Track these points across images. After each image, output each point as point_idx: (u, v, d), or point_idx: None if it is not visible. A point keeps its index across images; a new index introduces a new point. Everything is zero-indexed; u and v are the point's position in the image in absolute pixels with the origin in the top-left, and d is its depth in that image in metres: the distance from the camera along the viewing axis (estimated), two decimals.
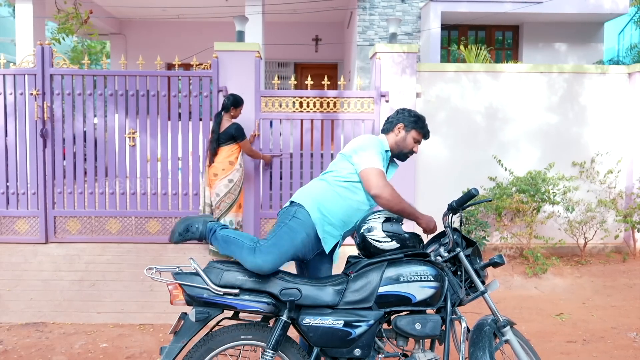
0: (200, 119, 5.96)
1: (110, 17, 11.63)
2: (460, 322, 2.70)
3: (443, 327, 2.64)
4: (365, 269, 2.65)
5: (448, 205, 2.85)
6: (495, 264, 2.71)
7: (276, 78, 6.13)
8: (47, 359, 3.89)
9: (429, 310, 2.66)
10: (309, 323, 2.54)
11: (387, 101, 6.04)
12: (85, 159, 6.01)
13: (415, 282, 2.59)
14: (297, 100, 6.12)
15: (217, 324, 2.63)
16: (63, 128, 5.90)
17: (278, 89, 6.15)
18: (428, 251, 2.83)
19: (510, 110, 6.63)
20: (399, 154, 3.03)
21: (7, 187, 5.85)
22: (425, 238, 3.00)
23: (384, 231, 2.70)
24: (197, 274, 2.50)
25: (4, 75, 5.81)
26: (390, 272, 2.61)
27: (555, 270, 5.99)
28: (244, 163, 5.60)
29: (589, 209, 6.34)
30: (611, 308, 5.20)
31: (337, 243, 2.88)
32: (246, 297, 2.50)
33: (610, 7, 9.25)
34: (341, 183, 2.80)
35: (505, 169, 6.44)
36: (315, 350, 2.56)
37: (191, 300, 2.49)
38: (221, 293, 2.47)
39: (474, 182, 6.46)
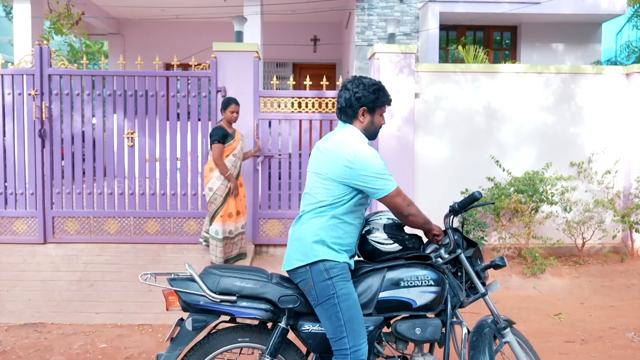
0: (199, 119, 5.96)
1: (108, 17, 11.62)
2: (461, 327, 2.67)
3: (443, 330, 2.61)
4: (365, 275, 2.60)
5: (450, 207, 2.83)
6: (496, 266, 2.70)
7: (275, 78, 6.14)
8: (46, 359, 3.89)
9: (430, 314, 2.64)
10: (308, 330, 2.51)
11: None
12: (83, 159, 6.01)
13: (416, 287, 2.56)
14: (295, 100, 6.13)
15: (215, 326, 2.59)
16: (61, 128, 5.89)
17: (277, 89, 6.15)
18: (428, 251, 2.79)
19: (508, 110, 6.64)
20: (370, 136, 2.63)
21: (6, 187, 5.84)
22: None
23: (385, 233, 2.65)
24: (193, 279, 2.46)
25: (2, 75, 5.80)
26: (391, 277, 2.57)
27: (553, 270, 6.00)
28: (235, 171, 5.37)
29: (587, 209, 6.35)
30: (609, 308, 5.22)
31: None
32: (244, 303, 2.46)
33: (608, 8, 9.27)
34: (339, 211, 2.51)
35: (504, 169, 6.45)
36: (315, 356, 2.55)
37: (187, 306, 2.45)
38: (218, 300, 2.43)
39: (472, 182, 6.48)
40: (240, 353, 2.65)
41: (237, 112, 5.33)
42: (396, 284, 2.56)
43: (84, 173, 6.02)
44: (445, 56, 10.03)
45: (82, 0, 6.29)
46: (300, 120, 6.12)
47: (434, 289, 2.58)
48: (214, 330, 2.56)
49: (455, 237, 2.74)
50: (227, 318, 2.58)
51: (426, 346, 2.72)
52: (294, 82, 6.37)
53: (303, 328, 2.52)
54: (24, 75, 5.79)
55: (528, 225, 6.11)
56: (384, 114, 2.69)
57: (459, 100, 6.59)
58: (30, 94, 5.78)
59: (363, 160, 2.42)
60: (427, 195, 6.42)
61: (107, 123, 5.92)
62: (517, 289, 5.70)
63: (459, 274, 2.75)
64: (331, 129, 6.15)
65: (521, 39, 10.06)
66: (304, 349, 2.70)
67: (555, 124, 6.68)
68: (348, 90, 2.55)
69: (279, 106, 6.09)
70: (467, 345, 2.65)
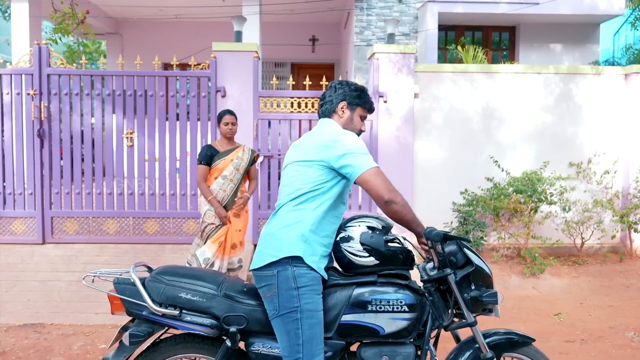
0: (198, 119, 5.95)
1: (106, 17, 11.59)
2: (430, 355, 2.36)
3: (419, 352, 2.35)
4: (331, 289, 2.31)
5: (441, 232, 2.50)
6: (486, 310, 2.36)
7: (274, 78, 6.13)
8: None
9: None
10: (258, 350, 2.30)
11: (385, 101, 6.05)
12: (82, 159, 5.99)
13: (385, 312, 2.25)
14: (295, 100, 6.12)
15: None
16: (60, 128, 5.88)
17: (276, 89, 6.15)
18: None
19: (507, 110, 6.65)
20: None
21: (4, 187, 5.82)
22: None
23: (361, 243, 2.31)
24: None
25: (1, 75, 5.78)
26: (358, 298, 2.26)
27: (552, 270, 6.01)
28: (225, 195, 4.50)
29: (586, 209, 6.37)
30: (608, 308, 5.23)
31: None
32: (188, 318, 2.29)
33: (606, 9, 9.30)
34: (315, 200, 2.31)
35: (502, 170, 6.46)
36: None
37: (131, 314, 2.34)
38: (160, 314, 2.28)
39: (471, 182, 6.49)
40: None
41: (234, 124, 4.53)
42: (362, 307, 2.25)
43: (83, 173, 6.00)
44: (444, 56, 10.04)
45: (81, 0, 6.27)
46: (299, 120, 6.11)
47: (407, 315, 2.27)
48: (167, 335, 2.43)
49: (449, 250, 2.36)
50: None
51: None
52: (294, 82, 6.36)
53: (253, 347, 2.30)
54: (23, 75, 5.77)
55: (527, 225, 6.12)
56: (365, 122, 2.61)
57: (458, 100, 6.60)
58: (29, 94, 5.76)
59: (342, 138, 2.30)
60: (426, 195, 6.43)
61: (107, 123, 5.91)
62: (517, 288, 5.71)
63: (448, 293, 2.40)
64: None
65: (519, 40, 10.08)
66: None
67: (554, 124, 6.69)
68: (331, 88, 2.51)
69: (278, 106, 6.09)
70: None
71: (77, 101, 5.84)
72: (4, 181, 5.82)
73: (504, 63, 8.84)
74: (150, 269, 2.50)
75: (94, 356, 3.95)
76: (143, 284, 2.33)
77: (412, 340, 2.33)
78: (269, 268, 2.25)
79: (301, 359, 2.18)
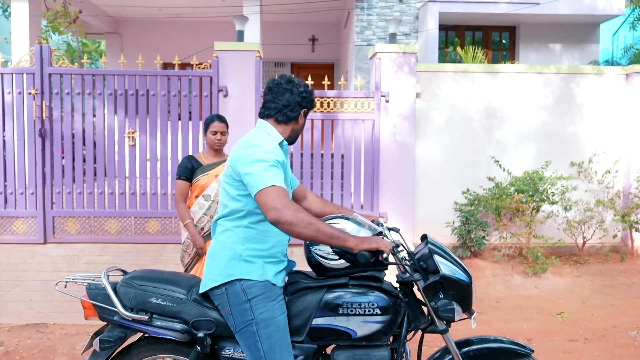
0: (200, 119, 5.93)
1: (106, 16, 11.58)
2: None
3: (396, 355, 2.29)
4: (302, 293, 2.28)
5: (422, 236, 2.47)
6: (448, 318, 2.22)
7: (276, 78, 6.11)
8: None
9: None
10: (229, 355, 2.28)
11: (387, 101, 6.05)
12: (84, 159, 5.97)
13: (357, 315, 2.21)
14: None
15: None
16: (62, 128, 5.85)
17: None
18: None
19: (508, 110, 6.66)
20: (293, 139, 2.42)
21: (5, 187, 5.79)
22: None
23: (331, 246, 2.23)
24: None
25: (2, 74, 5.75)
26: (329, 301, 2.22)
27: (554, 270, 6.02)
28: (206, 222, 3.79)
29: (588, 208, 6.38)
30: (611, 307, 5.24)
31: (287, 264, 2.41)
32: (158, 322, 2.29)
33: (605, 9, 9.33)
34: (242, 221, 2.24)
35: (504, 169, 6.47)
36: None
37: (104, 319, 2.36)
38: (130, 319, 2.30)
39: (472, 181, 6.50)
40: None
41: (224, 133, 3.82)
42: (334, 310, 2.21)
43: (84, 173, 5.98)
44: (444, 56, 10.05)
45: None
46: None
47: (380, 318, 2.21)
48: (142, 337, 2.44)
49: (420, 255, 2.28)
50: None
51: None
52: None
53: (224, 352, 2.29)
54: (24, 74, 5.74)
55: (529, 225, 6.13)
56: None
57: (460, 100, 6.61)
58: (30, 93, 5.73)
59: (251, 151, 2.17)
60: (427, 194, 6.43)
61: (108, 122, 5.89)
62: (519, 288, 5.72)
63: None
64: (332, 129, 6.17)
65: (519, 39, 10.11)
66: None
67: (555, 124, 6.70)
68: (289, 91, 2.33)
69: None
70: None
71: (79, 100, 5.82)
72: (5, 181, 5.80)
73: (504, 63, 8.86)
74: (125, 273, 2.51)
75: None
76: (115, 289, 2.35)
77: (388, 342, 2.28)
78: (218, 288, 2.23)
79: None
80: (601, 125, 6.72)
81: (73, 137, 5.84)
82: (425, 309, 2.34)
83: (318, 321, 2.22)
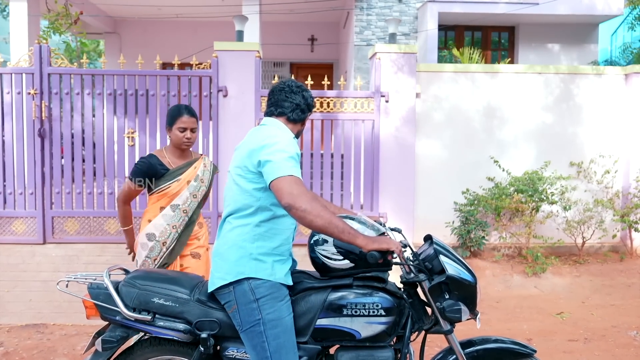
0: (200, 119, 5.92)
1: (104, 16, 11.56)
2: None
3: (399, 355, 2.29)
4: (306, 293, 2.27)
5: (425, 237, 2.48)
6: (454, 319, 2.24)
7: (276, 78, 6.12)
8: None
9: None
10: (232, 355, 2.26)
11: (387, 101, 6.05)
12: (83, 159, 5.96)
13: (361, 316, 2.20)
14: None
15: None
16: (61, 128, 5.84)
17: None
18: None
19: (507, 110, 6.67)
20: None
21: (4, 187, 5.78)
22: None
23: (335, 246, 2.23)
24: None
25: (1, 74, 5.74)
26: (333, 302, 2.21)
27: (554, 270, 6.02)
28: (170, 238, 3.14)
29: (587, 208, 6.39)
30: (610, 307, 5.25)
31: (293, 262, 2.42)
32: (161, 323, 2.27)
33: (604, 9, 9.35)
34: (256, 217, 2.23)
35: (503, 169, 6.47)
36: None
37: (106, 319, 2.34)
38: (132, 320, 2.28)
39: (472, 182, 6.50)
40: None
41: (194, 130, 3.14)
42: (338, 311, 2.20)
43: (84, 173, 5.97)
44: (444, 56, 10.06)
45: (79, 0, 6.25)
46: None
47: (384, 319, 2.21)
48: (145, 337, 2.43)
49: (426, 256, 2.29)
50: None
51: None
52: None
53: (227, 352, 2.27)
54: (24, 74, 5.73)
55: (528, 225, 6.14)
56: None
57: (459, 100, 6.61)
58: (29, 93, 5.72)
59: (273, 140, 2.17)
60: (427, 195, 6.43)
61: (108, 122, 5.88)
62: (519, 288, 5.72)
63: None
64: (332, 129, 6.17)
65: (519, 40, 10.12)
66: None
67: (555, 124, 6.71)
68: (301, 95, 2.36)
69: None
70: None
71: (78, 100, 5.81)
72: (4, 181, 5.78)
73: (503, 63, 8.87)
74: (127, 272, 2.49)
75: None
76: (117, 289, 2.33)
77: (391, 343, 2.28)
78: (225, 286, 2.22)
79: None
80: (601, 126, 6.73)
81: (72, 137, 5.83)
82: (429, 309, 2.34)
83: (322, 322, 2.21)
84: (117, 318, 2.30)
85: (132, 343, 2.42)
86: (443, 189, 6.51)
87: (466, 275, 2.25)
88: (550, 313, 5.06)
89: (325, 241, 2.26)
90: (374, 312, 2.20)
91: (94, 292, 2.34)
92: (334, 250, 2.23)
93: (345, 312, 2.20)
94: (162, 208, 3.11)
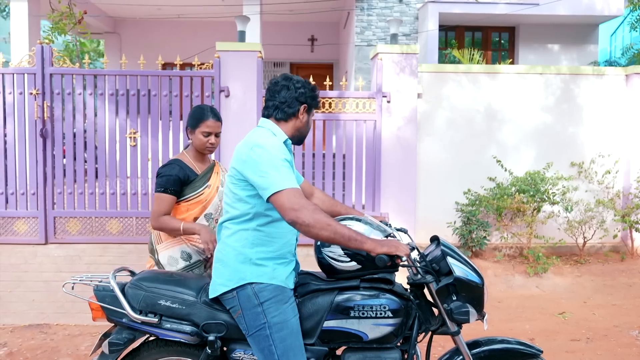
0: None
1: (105, 16, 11.55)
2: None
3: (407, 356, 2.29)
4: (313, 295, 2.26)
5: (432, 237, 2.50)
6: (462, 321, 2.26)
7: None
8: None
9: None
10: (239, 357, 2.26)
11: (388, 101, 6.06)
12: (85, 159, 5.96)
13: (368, 318, 2.20)
14: None
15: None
16: (63, 128, 5.84)
17: None
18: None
19: (509, 110, 6.68)
20: (298, 140, 2.37)
21: (6, 187, 5.78)
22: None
23: (342, 248, 2.21)
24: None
25: (3, 74, 5.74)
26: (340, 303, 2.21)
27: (555, 270, 6.04)
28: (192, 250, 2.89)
29: (588, 208, 6.40)
30: (612, 307, 5.26)
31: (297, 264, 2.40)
32: (168, 325, 2.27)
33: (604, 9, 9.37)
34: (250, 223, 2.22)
35: (505, 169, 6.48)
36: None
37: (112, 321, 2.34)
38: (139, 321, 2.27)
39: (474, 182, 6.52)
40: None
41: (218, 135, 2.89)
42: (345, 313, 2.20)
43: (85, 173, 5.97)
44: (444, 57, 10.08)
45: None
46: None
47: (391, 321, 2.21)
48: (151, 339, 2.42)
49: (433, 257, 2.30)
50: None
51: None
52: None
53: (235, 354, 2.27)
54: (25, 75, 5.73)
55: (530, 225, 6.15)
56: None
57: (461, 100, 6.62)
58: (31, 94, 5.72)
59: (257, 152, 2.12)
60: (429, 195, 6.44)
61: (109, 123, 5.88)
62: (521, 288, 5.73)
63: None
64: (333, 129, 6.18)
65: (519, 40, 10.14)
66: None
67: (556, 124, 6.72)
68: (286, 87, 2.28)
69: None
70: None
71: (80, 101, 5.81)
72: (6, 181, 5.78)
73: (504, 63, 8.88)
74: (133, 274, 2.48)
75: None
76: (123, 291, 2.33)
77: (398, 344, 2.28)
78: (229, 292, 2.21)
79: None
80: (601, 126, 6.75)
81: (74, 137, 5.84)
82: (435, 310, 2.34)
83: (329, 324, 2.21)
84: (124, 320, 2.29)
85: (139, 344, 2.42)
86: (444, 189, 6.52)
87: (474, 277, 2.26)
88: (552, 313, 5.07)
89: None
90: (381, 313, 2.20)
91: (100, 294, 2.33)
92: (340, 252, 2.23)
93: (352, 314, 2.20)
94: (196, 219, 2.82)
